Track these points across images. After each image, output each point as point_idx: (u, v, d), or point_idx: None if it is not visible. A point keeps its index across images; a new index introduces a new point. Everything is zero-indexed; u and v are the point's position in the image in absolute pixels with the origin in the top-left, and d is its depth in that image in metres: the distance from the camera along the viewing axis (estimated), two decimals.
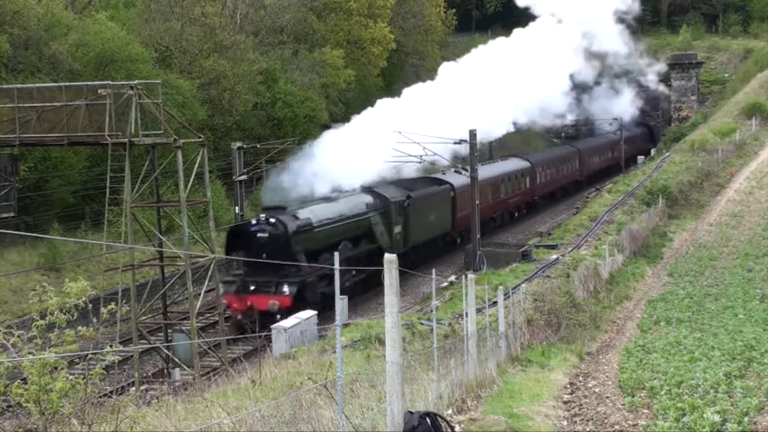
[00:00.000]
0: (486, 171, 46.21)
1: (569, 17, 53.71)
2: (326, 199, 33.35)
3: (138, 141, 23.18)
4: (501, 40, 50.54)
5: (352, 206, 34.11)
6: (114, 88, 23.51)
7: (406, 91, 43.92)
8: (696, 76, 74.06)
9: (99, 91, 23.41)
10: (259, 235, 28.94)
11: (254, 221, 29.48)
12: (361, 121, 39.23)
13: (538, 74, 45.10)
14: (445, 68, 46.53)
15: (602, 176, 67.83)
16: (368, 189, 36.19)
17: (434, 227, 40.25)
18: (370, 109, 41.16)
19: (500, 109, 42.78)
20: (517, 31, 51.49)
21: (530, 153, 59.29)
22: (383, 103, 41.36)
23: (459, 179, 42.98)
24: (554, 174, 60.00)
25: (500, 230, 50.47)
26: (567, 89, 52.29)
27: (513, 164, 53.63)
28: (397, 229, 36.25)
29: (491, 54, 47.79)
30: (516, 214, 53.20)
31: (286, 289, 28.30)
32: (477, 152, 39.79)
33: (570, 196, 62.67)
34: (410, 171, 41.20)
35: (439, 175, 43.95)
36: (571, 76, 55.61)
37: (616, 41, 61.96)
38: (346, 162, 34.72)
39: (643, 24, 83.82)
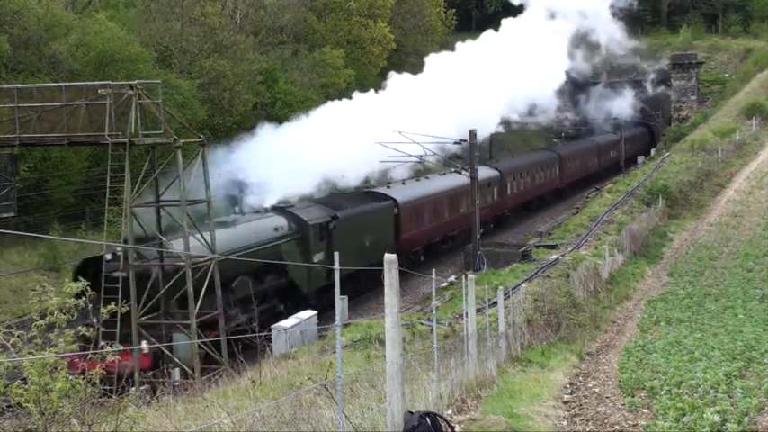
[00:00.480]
0: (441, 182, 42.02)
1: (563, 11, 52.92)
2: (221, 224, 26.76)
3: (138, 141, 23.18)
4: (490, 33, 48.86)
5: (254, 232, 27.99)
6: (114, 88, 23.50)
7: (392, 78, 41.18)
8: (696, 76, 74.10)
9: (99, 91, 23.40)
10: (115, 274, 22.70)
11: (108, 257, 22.93)
12: (323, 116, 35.07)
13: (528, 69, 42.91)
14: (432, 60, 44.09)
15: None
16: (280, 209, 30.38)
17: (370, 252, 32.97)
18: (333, 103, 37.91)
19: (488, 104, 40.32)
20: (506, 23, 49.61)
21: (499, 160, 52.96)
22: (359, 98, 37.95)
23: (404, 193, 38.49)
24: (528, 183, 53.79)
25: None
26: (560, 86, 51.26)
27: (480, 173, 45.46)
28: (318, 257, 30.51)
29: (479, 48, 45.75)
30: (482, 230, 46.17)
31: (144, 345, 22.57)
32: (478, 153, 39.62)
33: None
34: (403, 172, 39.87)
35: (381, 190, 38.23)
36: (570, 76, 55.26)
37: (613, 38, 61.59)
38: (280, 170, 29.92)
39: (643, 24, 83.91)
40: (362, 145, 32.93)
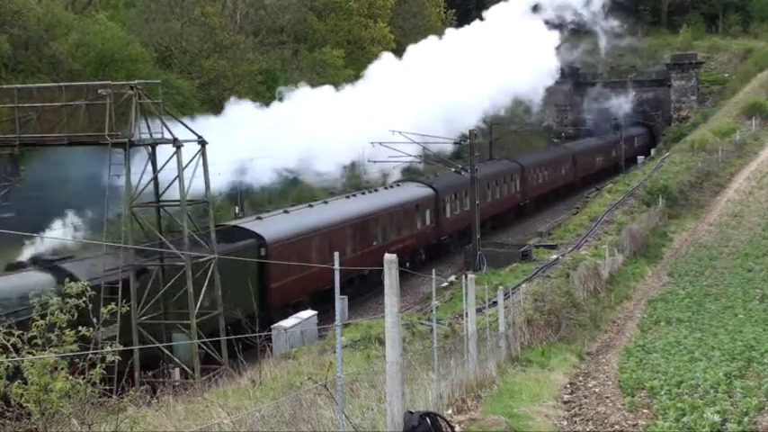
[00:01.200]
0: (340, 208, 34.47)
1: (552, 5, 52.52)
2: None
3: (138, 141, 23.18)
4: (476, 24, 48.13)
5: None
6: (114, 88, 23.51)
7: (372, 67, 39.90)
8: (696, 76, 74.17)
9: (99, 91, 23.40)
10: None
11: None
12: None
13: (513, 61, 41.39)
14: (414, 50, 43.04)
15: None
16: (47, 263, 21.87)
17: (216, 315, 23.69)
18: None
19: (471, 97, 38.65)
20: (489, 14, 48.24)
21: (438, 175, 42.90)
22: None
23: (277, 227, 29.72)
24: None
25: (499, 232, 48.97)
26: (558, 86, 50.77)
27: (408, 192, 39.15)
28: (105, 334, 19.04)
29: (464, 37, 44.76)
30: (408, 264, 35.90)
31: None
32: (478, 153, 39.56)
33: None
34: (402, 173, 38.75)
35: (243, 223, 29.42)
36: (569, 76, 55.17)
37: (610, 34, 61.47)
38: None
39: (643, 24, 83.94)
40: (336, 138, 31.46)
